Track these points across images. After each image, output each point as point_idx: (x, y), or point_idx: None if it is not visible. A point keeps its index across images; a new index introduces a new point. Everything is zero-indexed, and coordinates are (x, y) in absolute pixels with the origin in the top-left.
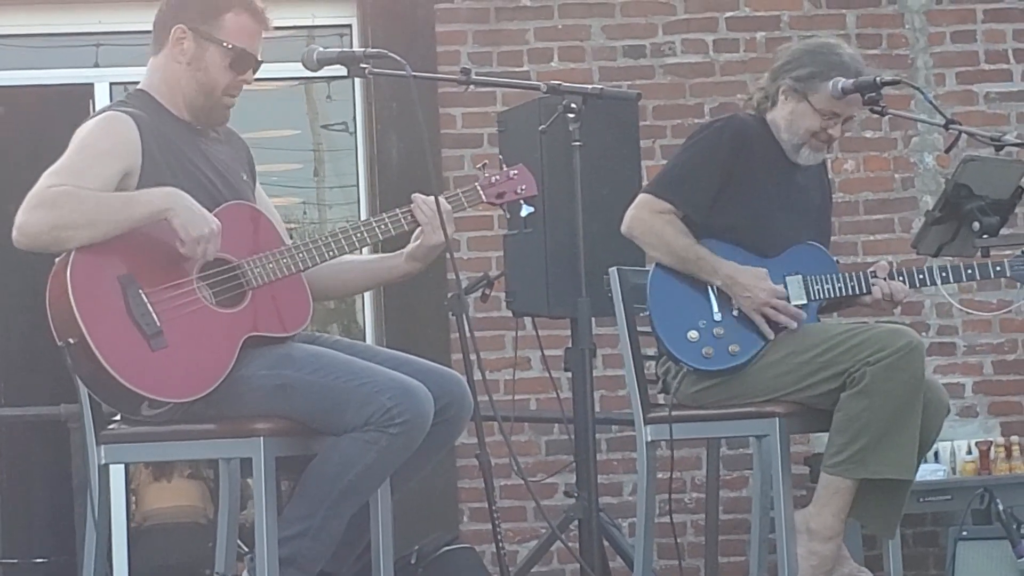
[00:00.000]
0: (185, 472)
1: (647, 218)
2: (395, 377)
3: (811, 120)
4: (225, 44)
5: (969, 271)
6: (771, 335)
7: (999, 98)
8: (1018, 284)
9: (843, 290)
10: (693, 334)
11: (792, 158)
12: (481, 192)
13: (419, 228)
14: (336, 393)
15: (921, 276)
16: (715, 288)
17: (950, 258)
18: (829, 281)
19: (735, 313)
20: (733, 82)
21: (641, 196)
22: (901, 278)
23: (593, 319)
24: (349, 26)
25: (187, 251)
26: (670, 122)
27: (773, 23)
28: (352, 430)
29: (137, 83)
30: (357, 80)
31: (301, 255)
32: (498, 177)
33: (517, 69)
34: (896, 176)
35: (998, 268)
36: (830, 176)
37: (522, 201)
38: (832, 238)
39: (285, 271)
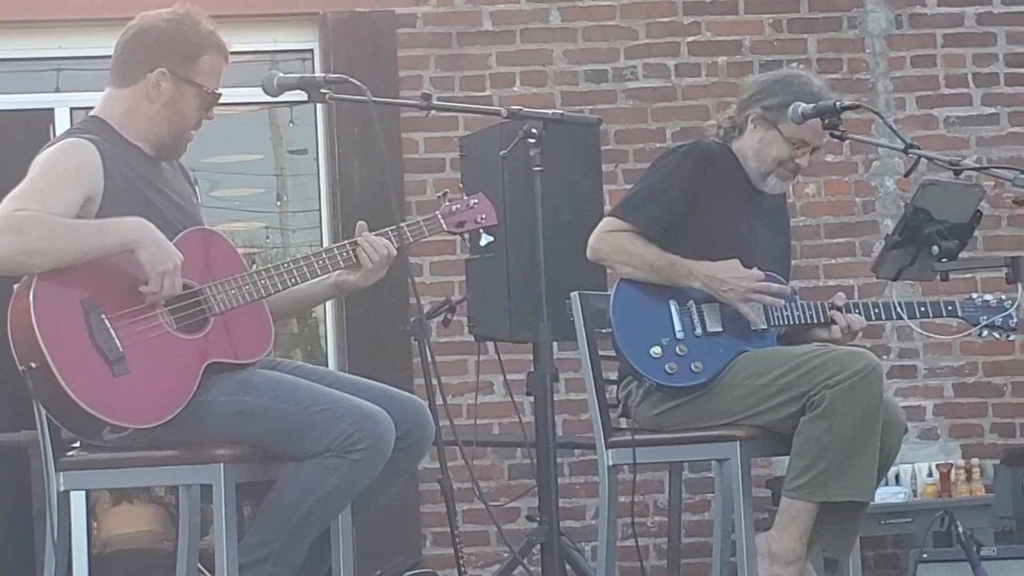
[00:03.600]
0: (145, 497)
1: (611, 237)
2: (356, 403)
3: (780, 148)
4: (204, 88)
5: (923, 308)
6: (763, 324)
7: (959, 122)
8: (971, 325)
9: (801, 318)
10: (656, 350)
11: (758, 186)
12: (442, 221)
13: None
14: (296, 419)
15: (876, 311)
16: (676, 306)
17: (910, 282)
18: (788, 308)
19: (697, 333)
20: (695, 106)
21: (604, 220)
22: (857, 311)
23: (555, 343)
24: (311, 51)
25: (152, 286)
26: (632, 146)
27: (735, 48)
28: (313, 456)
29: None
30: (319, 105)
31: (263, 281)
32: (458, 206)
33: (479, 94)
34: (857, 200)
35: (950, 308)
36: (790, 200)
37: (482, 231)
38: (793, 262)
39: (247, 297)
